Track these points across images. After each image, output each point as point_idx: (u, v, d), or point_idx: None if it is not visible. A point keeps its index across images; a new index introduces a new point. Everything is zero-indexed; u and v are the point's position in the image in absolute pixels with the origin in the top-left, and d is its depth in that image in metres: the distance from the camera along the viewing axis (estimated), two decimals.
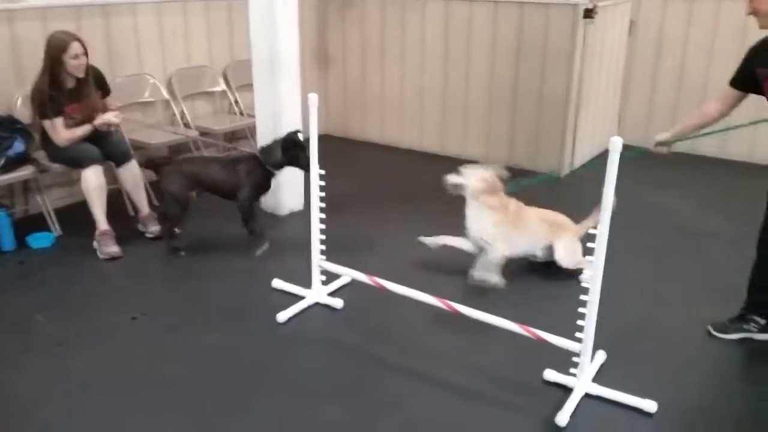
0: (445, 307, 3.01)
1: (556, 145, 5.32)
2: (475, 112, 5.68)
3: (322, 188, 3.27)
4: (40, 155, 4.17)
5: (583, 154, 5.57)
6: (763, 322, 3.09)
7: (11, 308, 3.39)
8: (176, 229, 4.05)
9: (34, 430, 2.55)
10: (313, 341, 3.17)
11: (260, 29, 4.21)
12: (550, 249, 3.67)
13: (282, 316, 3.26)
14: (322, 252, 3.40)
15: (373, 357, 3.02)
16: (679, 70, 5.85)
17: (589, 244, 2.55)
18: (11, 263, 3.88)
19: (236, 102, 5.51)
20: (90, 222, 4.03)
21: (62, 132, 3.93)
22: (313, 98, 3.15)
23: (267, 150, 3.97)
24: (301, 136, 3.92)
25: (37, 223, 4.22)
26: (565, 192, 5.01)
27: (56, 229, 4.21)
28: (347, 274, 3.38)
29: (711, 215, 4.66)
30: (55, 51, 3.80)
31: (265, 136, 4.36)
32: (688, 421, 2.63)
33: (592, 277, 2.59)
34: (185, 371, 2.91)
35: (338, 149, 5.77)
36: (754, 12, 2.83)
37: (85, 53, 3.89)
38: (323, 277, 3.46)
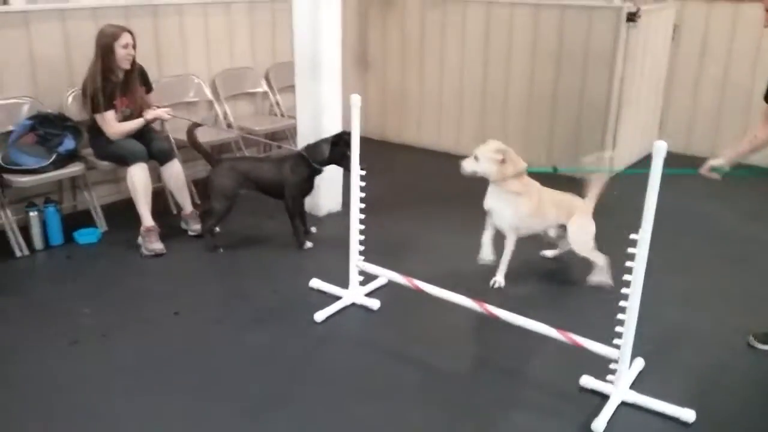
0: (483, 311, 3.03)
1: (596, 150, 5.27)
2: (515, 115, 5.66)
3: (362, 189, 3.31)
4: (88, 152, 4.30)
5: (622, 159, 5.52)
6: None
7: (59, 300, 3.50)
8: (217, 228, 4.14)
9: (82, 416, 2.64)
10: (349, 341, 3.21)
11: (303, 31, 4.27)
12: (563, 228, 3.66)
13: (319, 316, 3.30)
14: (361, 253, 3.44)
15: (409, 358, 3.05)
16: (722, 76, 5.76)
17: (630, 250, 2.54)
18: (59, 257, 4.00)
19: (277, 103, 5.59)
20: (134, 219, 4.13)
21: (115, 125, 4.05)
22: (356, 99, 3.20)
23: (313, 147, 4.06)
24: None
25: (84, 219, 4.34)
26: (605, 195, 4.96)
27: (102, 225, 4.33)
28: (385, 276, 3.41)
29: (758, 226, 4.58)
30: (107, 40, 3.92)
31: (305, 137, 4.42)
32: (728, 430, 2.61)
33: (633, 282, 2.58)
34: (226, 365, 2.98)
35: (376, 152, 5.74)
36: None
37: (134, 45, 4.00)
38: (361, 278, 3.50)
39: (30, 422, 2.61)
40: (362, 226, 3.38)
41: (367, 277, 3.55)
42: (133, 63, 4.09)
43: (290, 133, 5.46)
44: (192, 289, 3.66)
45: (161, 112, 4.19)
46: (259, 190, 4.13)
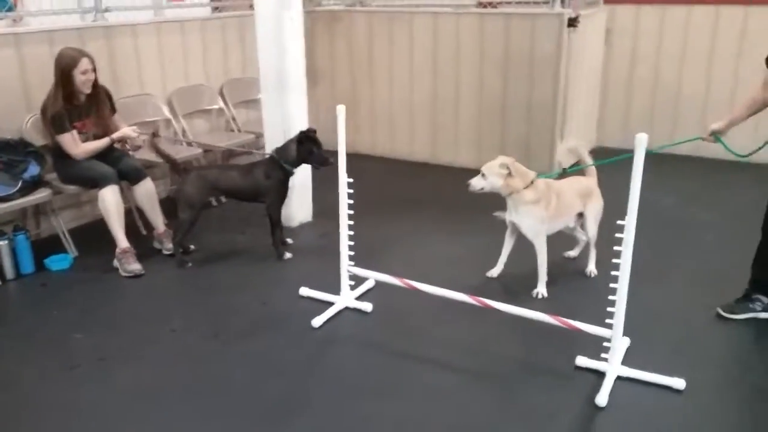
0: (477, 303, 3.18)
1: (546, 149, 5.56)
2: (466, 121, 5.88)
3: (350, 196, 3.41)
4: (52, 177, 4.22)
5: (570, 157, 5.82)
6: (766, 300, 3.33)
7: (47, 327, 3.43)
8: (192, 246, 4.15)
9: (103, 427, 2.63)
10: (350, 343, 3.30)
11: (268, 45, 4.35)
12: (581, 216, 3.81)
13: (317, 321, 3.38)
14: (350, 258, 3.53)
15: (410, 354, 3.17)
16: (653, 75, 6.16)
17: (618, 235, 2.75)
18: (33, 286, 3.91)
19: (233, 119, 5.61)
20: (104, 242, 4.11)
21: (79, 145, 4.01)
22: (341, 109, 3.31)
23: (282, 149, 4.13)
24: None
25: (51, 245, 4.25)
26: None
27: (72, 251, 4.24)
28: (377, 278, 3.51)
29: (696, 208, 4.94)
30: (65, 67, 3.89)
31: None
32: (716, 394, 2.85)
33: (621, 266, 2.79)
34: (232, 376, 3.01)
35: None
36: None
37: (94, 69, 3.97)
38: (352, 282, 3.59)
39: None
40: (351, 232, 3.47)
41: (356, 282, 3.65)
42: (96, 86, 4.06)
43: (248, 148, 5.49)
44: (181, 306, 3.66)
45: (128, 131, 4.16)
46: (232, 197, 4.21)
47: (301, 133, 4.10)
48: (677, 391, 2.82)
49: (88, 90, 4.01)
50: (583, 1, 5.55)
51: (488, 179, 3.56)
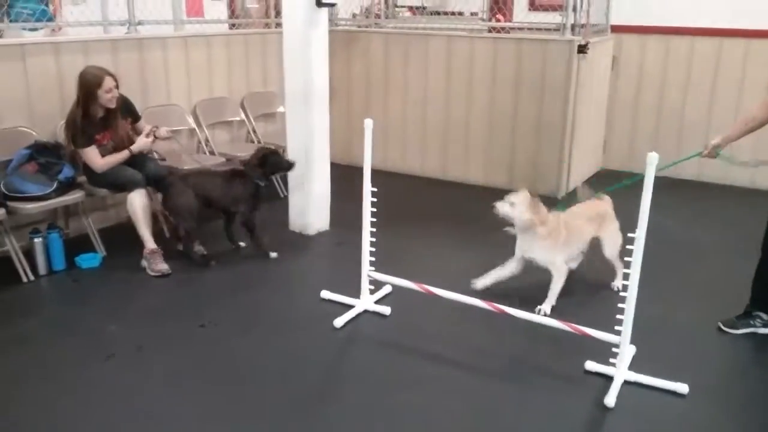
0: (491, 309, 3.38)
1: (554, 170, 5.78)
2: (477, 140, 6.11)
3: (375, 203, 3.61)
4: (83, 180, 4.41)
5: (576, 178, 6.04)
6: (766, 317, 3.53)
7: (82, 321, 3.61)
8: (201, 248, 4.41)
9: (138, 423, 2.79)
10: (371, 343, 3.48)
11: (295, 61, 4.56)
12: (596, 239, 3.95)
13: (338, 322, 3.56)
14: (371, 263, 3.72)
15: (428, 354, 3.35)
16: (658, 101, 6.40)
17: (629, 246, 2.95)
18: (66, 281, 4.09)
19: (254, 131, 5.83)
20: (131, 242, 4.31)
21: (98, 160, 4.21)
22: (369, 123, 3.51)
23: (249, 166, 4.40)
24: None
25: (80, 244, 4.43)
26: None
27: (101, 250, 4.43)
28: (396, 283, 3.70)
29: (696, 232, 5.15)
30: (90, 86, 4.08)
31: (298, 162, 4.69)
32: (717, 399, 3.04)
33: (631, 276, 2.98)
34: (261, 367, 3.19)
35: (343, 176, 6.11)
36: None
37: (117, 86, 4.18)
38: (372, 287, 3.78)
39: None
40: (374, 239, 3.67)
41: (373, 288, 3.83)
42: (121, 101, 4.28)
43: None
44: (208, 304, 3.83)
45: (142, 142, 4.33)
46: (210, 204, 4.36)
47: (260, 154, 4.38)
48: (680, 395, 3.01)
49: (112, 105, 4.20)
50: (592, 29, 5.80)
51: (516, 210, 3.67)
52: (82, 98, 4.12)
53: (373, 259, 3.71)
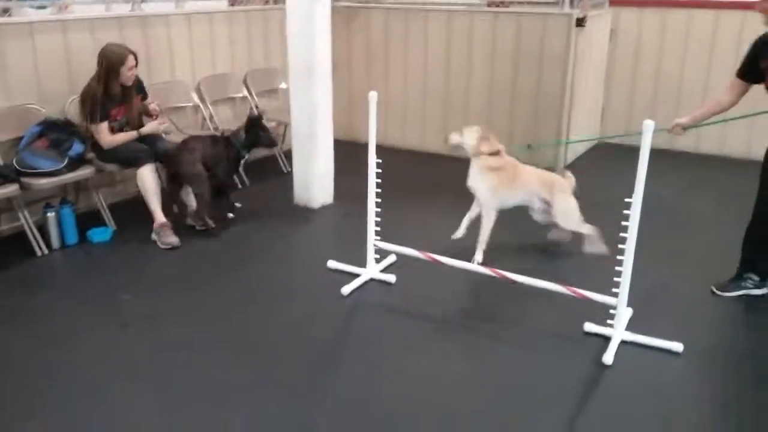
0: (495, 275, 3.50)
1: (552, 138, 5.87)
2: (477, 114, 6.17)
3: (378, 175, 3.71)
4: (92, 156, 4.50)
5: (575, 149, 6.14)
6: (757, 278, 3.65)
7: (96, 291, 3.73)
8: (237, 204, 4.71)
9: (158, 383, 2.92)
10: (378, 308, 3.61)
11: (298, 36, 4.64)
12: (547, 204, 4.10)
13: (346, 290, 3.68)
14: (377, 233, 3.83)
15: (434, 318, 3.48)
16: (655, 72, 6.48)
17: (625, 211, 3.06)
18: (79, 254, 4.20)
19: (256, 107, 5.90)
20: (140, 217, 4.43)
21: (107, 136, 4.31)
22: (373, 95, 3.60)
23: (235, 133, 4.58)
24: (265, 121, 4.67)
25: (90, 219, 4.53)
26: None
27: (112, 224, 4.53)
28: (402, 252, 3.81)
29: (693, 201, 5.26)
30: (114, 63, 4.18)
31: (300, 135, 4.81)
32: (710, 357, 3.17)
33: (628, 240, 3.10)
34: (272, 335, 3.32)
35: (345, 151, 6.21)
36: (763, 11, 3.33)
37: (136, 64, 4.27)
38: (377, 256, 3.90)
39: (110, 395, 2.87)
40: (379, 209, 3.78)
41: (378, 258, 3.95)
42: (137, 80, 4.37)
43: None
44: (217, 275, 3.95)
45: (155, 125, 4.49)
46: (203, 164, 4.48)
47: (248, 120, 4.54)
48: (676, 353, 3.14)
49: (130, 83, 4.31)
50: (590, 2, 5.86)
51: (465, 137, 3.99)
52: (104, 74, 4.21)
53: (378, 229, 3.82)
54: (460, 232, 4.16)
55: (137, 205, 4.82)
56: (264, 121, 4.68)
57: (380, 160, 3.71)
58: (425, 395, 2.87)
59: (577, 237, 4.20)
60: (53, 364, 3.04)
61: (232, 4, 6.37)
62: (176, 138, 4.68)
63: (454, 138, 4.04)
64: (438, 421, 2.71)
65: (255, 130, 4.54)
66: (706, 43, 6.20)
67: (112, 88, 4.24)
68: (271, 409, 2.76)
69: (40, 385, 2.90)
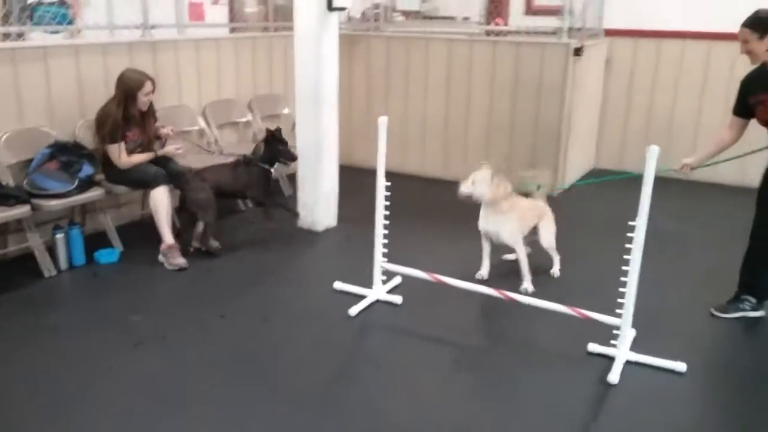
0: (501, 297, 3.58)
1: (551, 168, 5.98)
2: (476, 140, 6.31)
3: (387, 198, 3.80)
4: (100, 178, 4.56)
5: (571, 176, 6.26)
6: (754, 301, 3.75)
7: (106, 311, 3.77)
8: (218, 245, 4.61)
9: (169, 402, 2.96)
10: (386, 329, 3.67)
11: (306, 64, 4.75)
12: (535, 229, 4.22)
13: (353, 310, 3.75)
14: (384, 255, 3.91)
15: (440, 339, 3.55)
16: (648, 103, 6.64)
17: (629, 234, 3.15)
18: (86, 276, 4.25)
19: (260, 131, 6.00)
20: (145, 239, 4.52)
21: (125, 157, 4.38)
22: (383, 120, 3.70)
23: (255, 150, 4.65)
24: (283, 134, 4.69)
25: (97, 240, 4.58)
26: (564, 208, 5.65)
27: (119, 245, 4.58)
28: (410, 274, 3.88)
29: (687, 226, 5.38)
30: (132, 89, 4.30)
31: (307, 158, 4.89)
32: (712, 376, 3.26)
33: (631, 261, 3.19)
34: (282, 355, 3.36)
35: (345, 176, 6.28)
36: (749, 52, 3.49)
37: (153, 90, 4.37)
38: (384, 278, 3.97)
39: (125, 412, 2.91)
40: (386, 231, 3.86)
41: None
42: (150, 104, 4.47)
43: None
44: (226, 296, 4.00)
45: (171, 149, 4.60)
46: (222, 194, 4.58)
47: (268, 133, 4.60)
48: (679, 373, 3.21)
49: (145, 108, 4.42)
50: (586, 33, 6.03)
51: (477, 187, 3.95)
52: (123, 98, 4.32)
53: (386, 250, 3.90)
54: (485, 270, 4.20)
55: (143, 226, 4.91)
56: (281, 136, 4.70)
57: (389, 183, 3.79)
58: (435, 413, 2.93)
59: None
60: (68, 382, 3.08)
61: (233, 31, 6.51)
62: (194, 162, 4.78)
63: (466, 189, 3.99)
64: None
65: (274, 144, 4.58)
66: (698, 73, 6.38)
67: (130, 112, 4.33)
68: (286, 428, 2.80)
69: (56, 401, 2.93)
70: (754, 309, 3.76)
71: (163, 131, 4.64)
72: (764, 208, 3.64)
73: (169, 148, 4.60)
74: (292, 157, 4.75)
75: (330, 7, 4.65)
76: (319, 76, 4.74)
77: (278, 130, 4.65)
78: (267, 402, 2.96)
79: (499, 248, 4.27)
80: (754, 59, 3.52)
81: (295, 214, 4.73)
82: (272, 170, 4.67)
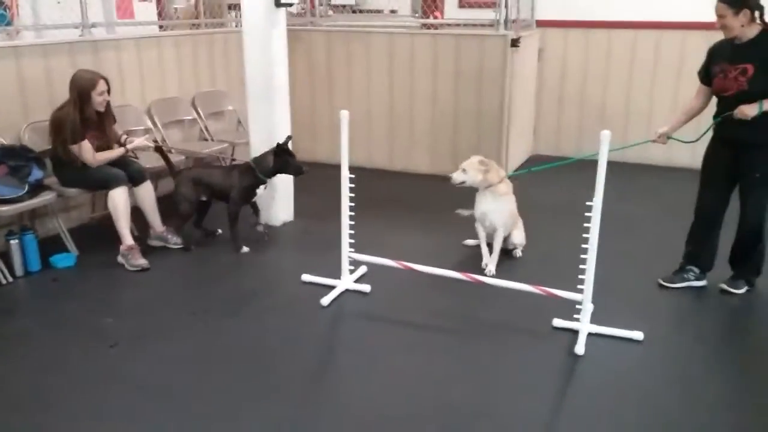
0: (467, 279, 3.73)
1: (494, 156, 6.15)
2: (421, 130, 6.47)
3: (351, 190, 3.89)
4: (52, 181, 4.46)
5: (513, 163, 6.50)
6: (698, 271, 4.05)
7: (74, 315, 3.71)
8: (218, 230, 4.77)
9: (154, 399, 2.97)
10: (359, 317, 3.76)
11: (256, 60, 4.77)
12: None
13: (325, 300, 3.82)
14: (351, 245, 4.00)
15: (412, 323, 3.68)
16: (580, 90, 6.96)
17: (587, 214, 3.36)
18: (45, 281, 4.15)
19: (206, 128, 5.96)
20: (99, 242, 4.49)
21: (94, 154, 4.31)
22: (345, 114, 3.79)
23: (260, 159, 4.60)
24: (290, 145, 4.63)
25: (49, 245, 4.47)
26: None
27: (74, 249, 4.49)
28: (376, 262, 3.98)
29: (628, 205, 5.68)
30: (85, 88, 4.20)
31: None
32: (666, 342, 3.51)
33: (590, 239, 3.40)
34: (260, 347, 3.41)
35: None
36: (723, 26, 3.64)
37: (108, 90, 4.29)
38: (351, 267, 4.06)
39: (112, 412, 2.90)
40: (352, 222, 3.95)
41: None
42: (107, 105, 4.38)
43: (223, 155, 5.89)
44: (193, 293, 4.00)
45: (142, 141, 4.54)
46: (211, 194, 4.63)
47: (278, 145, 4.55)
48: (637, 341, 3.46)
49: (102, 109, 4.33)
50: (521, 24, 6.27)
51: (468, 174, 4.13)
52: (77, 99, 4.22)
53: (352, 241, 3.98)
54: (492, 265, 4.25)
55: (95, 229, 4.83)
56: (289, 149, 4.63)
57: (353, 176, 3.88)
58: (416, 393, 3.05)
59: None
60: (49, 388, 3.04)
61: (161, 28, 6.41)
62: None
63: (458, 177, 4.18)
64: (432, 416, 2.89)
65: (283, 156, 4.51)
66: (625, 60, 6.73)
67: (86, 113, 4.24)
68: (273, 417, 2.86)
69: (40, 407, 2.90)
70: (697, 279, 4.06)
71: (132, 144, 4.53)
72: (704, 184, 3.93)
73: (139, 142, 4.53)
74: (300, 170, 4.60)
75: (278, 4, 4.68)
76: (270, 72, 4.78)
77: (286, 142, 4.57)
78: (256, 393, 3.01)
79: (462, 234, 4.43)
80: (728, 33, 3.65)
81: (236, 248, 4.57)
82: (267, 182, 4.61)
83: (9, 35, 4.64)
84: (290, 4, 4.85)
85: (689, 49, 6.19)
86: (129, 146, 4.42)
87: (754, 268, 3.96)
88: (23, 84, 4.54)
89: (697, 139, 3.95)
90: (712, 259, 4.06)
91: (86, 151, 4.25)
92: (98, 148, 4.38)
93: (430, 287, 3.98)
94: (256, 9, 4.66)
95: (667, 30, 6.48)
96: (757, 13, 3.60)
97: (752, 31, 3.60)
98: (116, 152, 4.40)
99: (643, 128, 6.28)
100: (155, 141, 4.58)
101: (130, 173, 4.45)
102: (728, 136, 3.76)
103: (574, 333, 3.50)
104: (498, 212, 4.23)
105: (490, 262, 4.26)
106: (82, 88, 4.19)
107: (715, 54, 3.79)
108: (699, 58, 3.92)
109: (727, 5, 3.58)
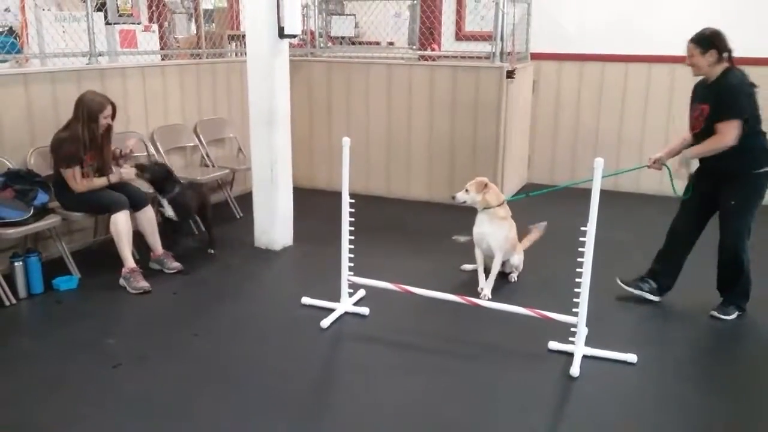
0: (464, 302, 3.82)
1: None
2: (418, 159, 6.59)
3: (351, 215, 3.98)
4: (55, 205, 4.54)
5: (508, 191, 6.62)
6: (655, 286, 4.24)
7: (78, 337, 3.76)
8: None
9: (156, 419, 3.02)
10: (357, 339, 3.83)
11: (259, 90, 4.89)
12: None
13: (325, 323, 3.89)
14: (350, 269, 4.08)
15: (411, 345, 3.75)
16: (574, 121, 7.12)
17: (581, 239, 3.46)
18: (49, 303, 4.21)
19: (207, 155, 6.07)
20: (102, 265, 4.57)
21: (80, 181, 4.39)
22: (346, 141, 3.90)
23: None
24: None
25: (52, 268, 4.53)
26: None
27: (76, 272, 4.55)
28: (376, 285, 4.06)
29: (618, 232, 5.79)
30: (93, 111, 4.32)
31: (261, 181, 5.02)
32: (662, 365, 3.58)
33: (585, 264, 3.49)
34: (262, 369, 3.46)
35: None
36: (692, 65, 3.82)
37: (113, 116, 4.42)
38: (351, 291, 4.13)
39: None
40: (352, 246, 4.04)
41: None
42: (108, 128, 4.49)
43: (221, 182, 6.01)
44: (196, 316, 4.06)
45: (125, 174, 4.60)
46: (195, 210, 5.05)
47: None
48: (631, 363, 3.53)
49: (102, 131, 4.44)
50: (516, 56, 6.44)
51: (470, 193, 4.31)
52: (85, 121, 4.32)
53: (351, 264, 4.07)
54: (487, 290, 4.31)
55: (97, 252, 4.91)
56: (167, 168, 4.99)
57: (353, 201, 3.98)
58: (413, 413, 3.10)
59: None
60: (53, 406, 3.09)
61: (163, 58, 6.54)
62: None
63: (461, 197, 4.38)
64: None
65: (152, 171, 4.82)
66: (618, 91, 6.91)
67: (93, 134, 4.35)
68: None
69: (43, 427, 2.94)
70: (651, 293, 4.24)
71: (115, 176, 4.60)
72: (681, 208, 4.15)
73: (124, 172, 4.60)
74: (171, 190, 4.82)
75: (281, 35, 4.83)
76: (272, 100, 4.90)
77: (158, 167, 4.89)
78: (259, 413, 3.07)
79: (459, 259, 4.52)
80: (696, 71, 3.84)
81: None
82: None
83: (18, 62, 4.75)
84: (294, 36, 4.98)
85: (678, 81, 6.38)
86: (113, 179, 4.52)
87: (742, 293, 4.06)
88: (31, 110, 4.65)
89: (685, 197, 4.11)
90: (673, 281, 4.23)
91: (73, 177, 4.35)
92: (96, 170, 4.50)
93: (427, 310, 4.06)
94: (260, 39, 4.80)
95: (657, 63, 6.66)
96: (725, 55, 3.75)
97: (718, 71, 3.76)
98: (99, 182, 4.49)
99: (635, 157, 6.42)
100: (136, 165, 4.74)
101: (131, 198, 4.54)
102: (708, 166, 3.94)
103: (569, 355, 3.58)
104: (494, 235, 4.32)
105: (485, 286, 4.34)
106: (91, 110, 4.30)
107: (694, 91, 3.97)
108: (687, 90, 4.06)
109: (695, 44, 3.78)
